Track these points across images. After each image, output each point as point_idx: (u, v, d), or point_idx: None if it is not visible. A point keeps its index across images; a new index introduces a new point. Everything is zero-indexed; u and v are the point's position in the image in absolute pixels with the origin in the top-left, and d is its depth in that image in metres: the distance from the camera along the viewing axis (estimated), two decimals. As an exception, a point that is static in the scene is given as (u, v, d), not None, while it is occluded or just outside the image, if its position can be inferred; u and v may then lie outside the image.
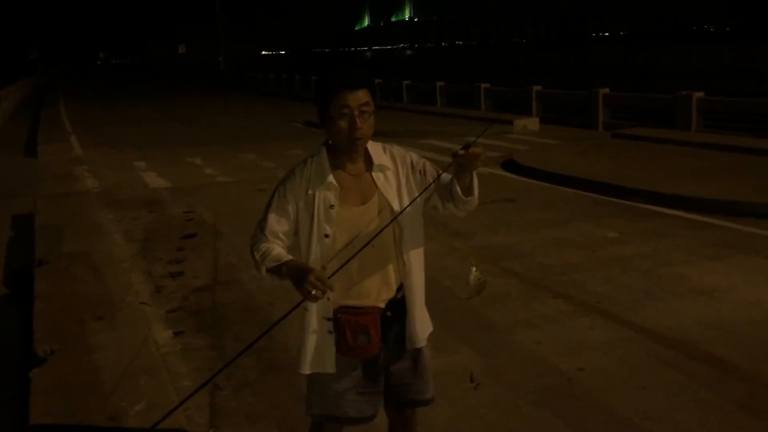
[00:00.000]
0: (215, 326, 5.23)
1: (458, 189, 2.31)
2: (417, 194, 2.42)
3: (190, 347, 4.83)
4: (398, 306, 2.47)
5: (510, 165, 11.96)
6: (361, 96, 2.30)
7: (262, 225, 2.45)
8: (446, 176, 2.41)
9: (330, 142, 2.42)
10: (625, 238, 7.27)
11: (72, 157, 14.65)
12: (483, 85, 20.94)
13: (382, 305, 2.43)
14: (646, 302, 5.41)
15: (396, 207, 2.38)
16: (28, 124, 22.39)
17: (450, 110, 21.20)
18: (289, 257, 2.39)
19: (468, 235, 7.42)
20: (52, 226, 7.54)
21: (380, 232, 2.30)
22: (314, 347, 2.45)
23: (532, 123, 17.51)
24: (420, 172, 2.45)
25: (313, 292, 2.18)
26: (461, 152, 2.21)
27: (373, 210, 2.38)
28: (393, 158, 2.44)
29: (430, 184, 2.41)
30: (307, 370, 2.48)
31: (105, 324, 4.56)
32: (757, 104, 13.95)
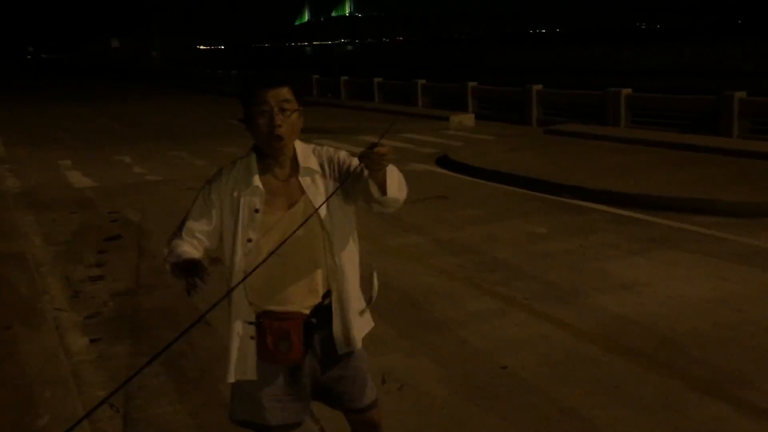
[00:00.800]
0: (134, 333, 5.05)
1: (372, 190, 2.24)
2: (345, 195, 2.35)
3: (106, 355, 4.65)
4: (324, 313, 2.39)
5: (444, 161, 12.00)
6: (282, 93, 2.23)
7: (181, 223, 2.40)
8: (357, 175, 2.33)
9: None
10: (553, 233, 7.36)
11: (-7, 156, 14.06)
12: (420, 81, 21.02)
13: (307, 311, 2.35)
14: (570, 298, 5.47)
15: (322, 211, 2.29)
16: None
17: (387, 106, 21.20)
18: (191, 256, 2.30)
19: (397, 233, 7.38)
20: (-36, 230, 7.19)
21: (288, 238, 2.20)
22: (237, 354, 2.37)
23: (468, 119, 17.66)
24: (347, 171, 2.37)
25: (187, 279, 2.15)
26: (367, 152, 2.13)
27: (300, 215, 2.28)
28: (321, 160, 2.36)
29: (337, 188, 2.32)
30: (231, 378, 2.39)
31: (13, 333, 4.35)
32: (682, 101, 14.37)
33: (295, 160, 2.33)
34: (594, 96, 15.64)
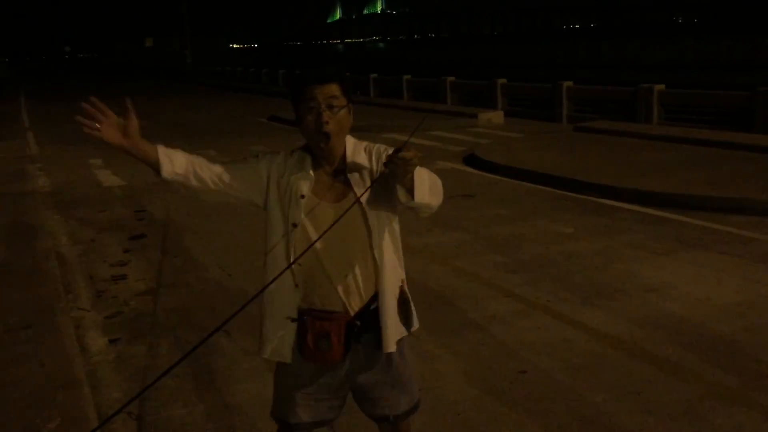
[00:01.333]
0: (153, 333, 5.06)
1: (400, 194, 2.18)
2: (389, 193, 2.28)
3: (125, 355, 4.66)
4: (370, 315, 2.33)
5: (471, 160, 11.89)
6: (331, 90, 2.20)
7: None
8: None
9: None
10: (580, 233, 7.22)
11: (26, 155, 14.29)
12: (449, 79, 20.89)
13: (352, 313, 2.30)
14: (595, 300, 5.35)
15: (367, 208, 2.26)
16: (-15, 120, 21.86)
17: (416, 104, 21.12)
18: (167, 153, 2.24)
19: (421, 233, 7.31)
20: (-8, 229, 7.29)
21: (333, 224, 2.17)
22: (276, 336, 2.34)
23: (497, 116, 17.50)
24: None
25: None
26: (392, 158, 2.06)
27: (346, 208, 2.25)
28: (370, 157, 2.33)
29: (365, 191, 2.25)
30: (266, 354, 2.37)
31: (32, 333, 4.37)
32: (716, 96, 14.04)
33: (344, 156, 2.31)
34: (625, 92, 15.37)
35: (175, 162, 2.24)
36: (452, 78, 21.02)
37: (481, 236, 7.27)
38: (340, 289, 2.28)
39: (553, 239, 7.05)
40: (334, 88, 2.21)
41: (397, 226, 2.40)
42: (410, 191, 2.15)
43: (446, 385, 4.12)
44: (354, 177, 2.29)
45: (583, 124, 14.63)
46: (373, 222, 2.29)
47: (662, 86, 14.55)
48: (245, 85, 34.81)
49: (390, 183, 2.20)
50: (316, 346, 2.27)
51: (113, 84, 45.77)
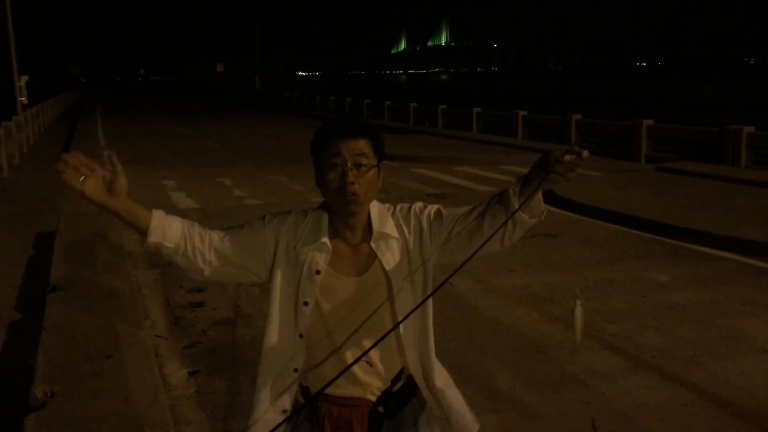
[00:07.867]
0: (233, 366, 4.84)
1: (523, 211, 1.85)
2: (443, 245, 1.95)
3: (205, 390, 4.44)
4: (394, 400, 2.02)
5: (548, 196, 11.43)
6: (359, 146, 1.87)
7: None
8: (460, 211, 1.96)
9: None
10: (678, 282, 6.75)
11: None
12: (521, 113, 20.52)
13: (373, 398, 1.99)
14: (707, 359, 4.90)
15: (397, 279, 1.94)
16: (64, 137, 22.49)
17: (486, 137, 20.82)
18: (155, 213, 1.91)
19: (506, 273, 6.95)
20: (71, 248, 7.25)
21: (406, 317, 1.85)
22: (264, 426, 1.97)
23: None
24: (429, 216, 1.97)
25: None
26: (568, 157, 1.73)
27: (370, 283, 1.95)
28: (398, 222, 1.99)
29: (516, 211, 1.83)
30: None
31: (113, 363, 4.19)
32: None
33: (368, 224, 1.97)
34: (712, 133, 14.72)
35: (167, 232, 1.90)
36: (524, 112, 20.65)
37: (569, 280, 6.87)
38: (360, 372, 1.97)
39: (649, 288, 6.60)
40: (362, 144, 1.88)
41: (429, 291, 2.03)
42: (537, 206, 1.88)
43: (552, 448, 3.75)
44: (380, 246, 1.95)
45: (665, 165, 14.05)
46: (406, 294, 1.96)
47: (752, 128, 13.89)
48: (312, 111, 35.12)
49: (502, 203, 1.88)
50: None
51: (183, 106, 46.89)
